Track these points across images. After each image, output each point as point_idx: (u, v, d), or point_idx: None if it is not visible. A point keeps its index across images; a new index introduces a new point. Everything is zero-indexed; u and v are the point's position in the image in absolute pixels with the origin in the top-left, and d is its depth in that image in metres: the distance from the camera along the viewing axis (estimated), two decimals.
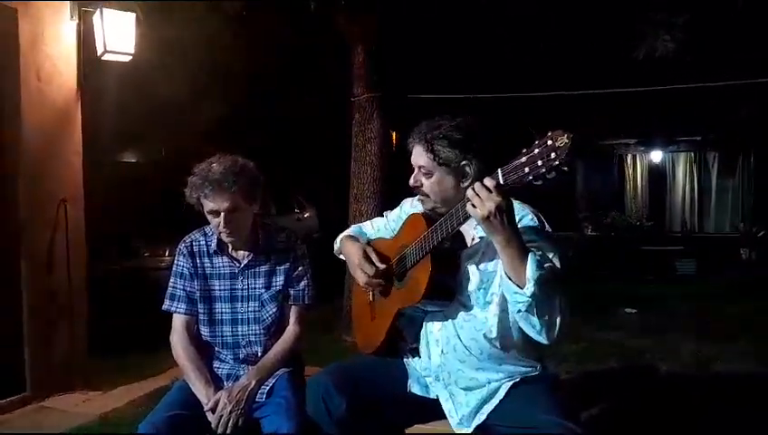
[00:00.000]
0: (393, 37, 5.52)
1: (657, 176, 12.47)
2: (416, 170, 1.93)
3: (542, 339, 1.68)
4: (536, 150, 1.47)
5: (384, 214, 2.35)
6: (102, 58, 4.12)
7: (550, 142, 1.44)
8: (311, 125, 10.53)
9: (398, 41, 5.77)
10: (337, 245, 2.32)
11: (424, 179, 1.90)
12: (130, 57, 4.19)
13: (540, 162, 1.45)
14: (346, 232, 2.32)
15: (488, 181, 1.56)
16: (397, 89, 5.67)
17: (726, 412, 3.44)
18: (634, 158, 12.67)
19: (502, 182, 1.55)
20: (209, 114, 8.64)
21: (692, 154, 12.24)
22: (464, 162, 1.85)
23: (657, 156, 12.39)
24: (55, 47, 3.92)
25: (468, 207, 1.60)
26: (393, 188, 5.39)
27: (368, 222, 2.39)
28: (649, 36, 5.37)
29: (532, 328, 1.67)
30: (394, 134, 7.10)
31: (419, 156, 1.90)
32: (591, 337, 5.27)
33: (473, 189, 1.58)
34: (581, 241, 10.05)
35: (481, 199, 1.56)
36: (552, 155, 1.43)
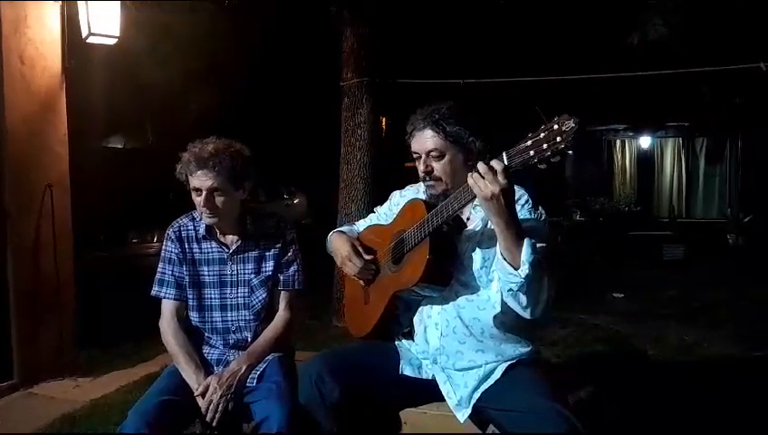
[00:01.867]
0: (383, 21, 5.47)
1: (646, 161, 12.52)
2: (423, 157, 1.94)
3: (526, 315, 1.76)
4: (542, 134, 1.49)
5: (375, 210, 2.38)
6: (87, 41, 4.06)
7: (556, 127, 1.47)
8: (300, 110, 10.48)
9: (388, 25, 5.72)
10: (328, 242, 2.33)
11: (435, 163, 1.92)
12: (116, 40, 4.13)
13: (545, 145, 1.48)
14: (337, 229, 2.34)
15: (495, 163, 1.59)
16: (386, 74, 5.63)
17: (711, 397, 3.49)
18: (623, 143, 12.71)
19: (507, 164, 1.57)
20: (197, 100, 8.57)
21: (680, 140, 12.29)
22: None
23: (645, 142, 12.44)
24: (39, 30, 3.85)
25: (471, 184, 1.62)
26: (383, 173, 5.39)
27: (360, 220, 2.42)
28: (642, 22, 5.36)
29: (519, 305, 1.74)
30: (383, 119, 7.08)
31: (428, 140, 1.92)
32: (579, 322, 5.32)
33: (478, 170, 1.60)
34: (570, 226, 10.10)
35: (486, 181, 1.59)
36: (558, 139, 1.46)
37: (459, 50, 8.30)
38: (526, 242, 1.64)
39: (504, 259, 1.68)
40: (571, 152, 1.46)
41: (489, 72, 6.79)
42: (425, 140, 1.93)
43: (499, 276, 1.75)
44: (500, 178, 1.57)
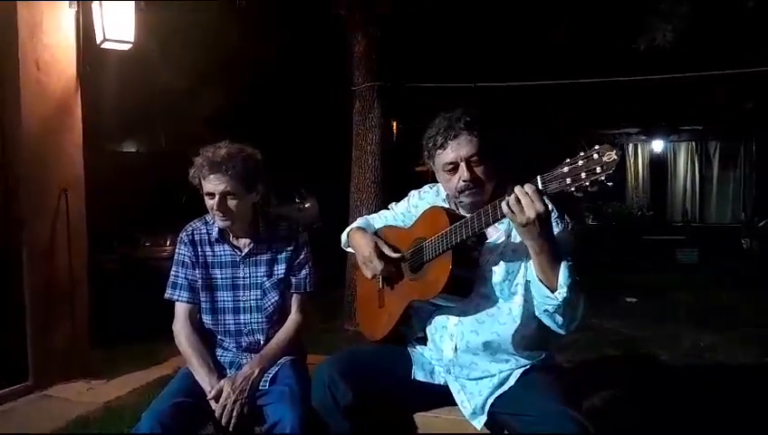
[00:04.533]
0: (394, 25, 5.49)
1: (659, 165, 12.46)
2: (462, 165, 1.82)
3: (562, 331, 1.76)
4: (580, 162, 1.46)
5: (389, 206, 2.32)
6: (102, 46, 4.10)
7: (596, 156, 1.43)
8: (311, 114, 10.51)
9: (400, 29, 5.74)
10: (345, 237, 2.31)
11: (476, 168, 1.83)
12: (130, 45, 4.17)
13: (584, 174, 1.44)
14: (354, 224, 2.30)
15: (529, 187, 1.55)
16: (398, 77, 5.64)
17: (725, 402, 3.45)
18: (635, 147, 12.65)
19: (541, 188, 1.54)
20: (210, 104, 8.63)
21: (693, 144, 12.22)
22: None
23: (658, 145, 12.37)
24: (54, 36, 3.89)
25: (506, 211, 1.58)
26: (394, 177, 5.39)
27: (375, 214, 2.36)
28: (651, 26, 5.34)
29: (555, 324, 1.74)
30: (395, 123, 7.09)
31: (467, 145, 1.82)
32: (592, 326, 5.28)
33: (515, 195, 1.56)
34: (582, 230, 10.05)
35: (522, 207, 1.55)
36: (598, 169, 1.42)
37: (471, 54, 8.29)
38: (563, 265, 1.62)
39: (541, 282, 1.66)
40: (611, 184, 1.41)
41: (501, 76, 6.78)
42: (464, 145, 1.81)
43: (535, 297, 1.73)
44: (536, 203, 1.53)
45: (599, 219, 10.94)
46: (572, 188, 1.47)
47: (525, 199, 1.54)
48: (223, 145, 2.10)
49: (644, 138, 12.39)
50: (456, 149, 1.83)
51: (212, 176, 2.04)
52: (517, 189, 1.56)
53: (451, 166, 1.85)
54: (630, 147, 12.63)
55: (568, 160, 1.49)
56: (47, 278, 3.85)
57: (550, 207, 1.68)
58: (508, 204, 1.57)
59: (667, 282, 7.55)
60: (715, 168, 12.09)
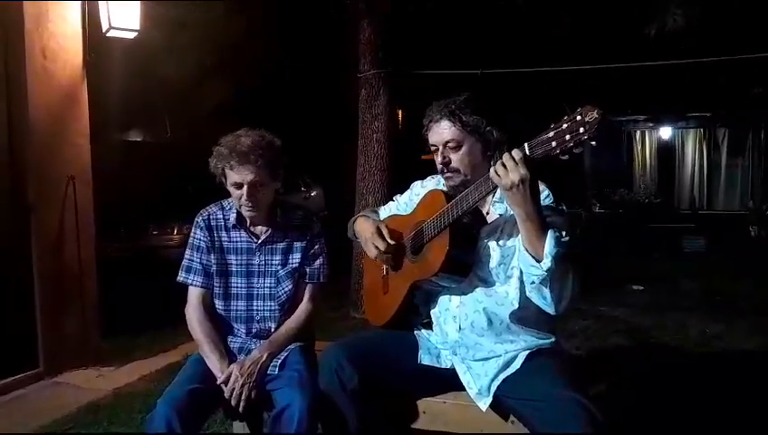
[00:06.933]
0: (400, 13, 5.45)
1: (666, 153, 12.37)
2: (440, 149, 1.93)
3: (550, 310, 1.75)
4: (564, 125, 1.48)
5: (394, 198, 2.37)
6: (107, 35, 4.10)
7: (579, 118, 1.46)
8: (317, 102, 10.49)
9: (406, 16, 5.70)
10: (350, 226, 2.35)
11: (452, 154, 1.92)
12: (135, 34, 4.17)
13: (568, 136, 1.47)
14: (359, 214, 2.35)
15: (515, 153, 1.59)
16: (403, 65, 5.62)
17: (732, 389, 3.45)
18: (643, 134, 12.57)
19: (528, 154, 1.57)
20: (216, 93, 8.62)
21: (701, 131, 12.12)
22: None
23: (666, 132, 12.28)
24: (60, 25, 3.90)
25: (492, 174, 1.63)
26: (400, 165, 5.39)
27: (380, 207, 2.42)
28: (662, 10, 5.28)
29: (543, 300, 1.73)
30: (400, 111, 7.06)
31: (445, 130, 1.91)
32: (598, 314, 5.28)
33: (501, 160, 1.61)
34: (589, 218, 10.02)
35: (506, 170, 1.59)
36: (581, 130, 1.45)
37: (477, 40, 8.24)
38: (550, 234, 1.63)
39: (527, 251, 1.67)
40: (594, 143, 1.44)
41: (508, 63, 6.73)
42: (441, 131, 1.92)
43: (523, 270, 1.74)
44: (520, 167, 1.57)
45: (606, 207, 10.90)
46: (558, 151, 1.51)
47: (510, 163, 1.59)
48: (243, 134, 2.10)
49: (651, 125, 12.30)
50: (435, 133, 1.95)
51: (241, 166, 2.04)
52: (504, 155, 1.61)
53: (434, 148, 1.97)
54: (638, 134, 12.55)
55: (553, 126, 1.52)
56: (56, 265, 3.88)
57: (543, 193, 1.76)
58: (495, 169, 1.62)
59: (675, 270, 7.53)
60: (723, 155, 11.99)
